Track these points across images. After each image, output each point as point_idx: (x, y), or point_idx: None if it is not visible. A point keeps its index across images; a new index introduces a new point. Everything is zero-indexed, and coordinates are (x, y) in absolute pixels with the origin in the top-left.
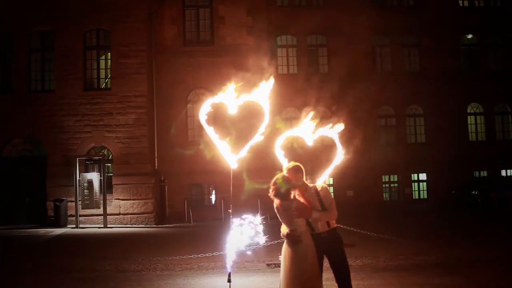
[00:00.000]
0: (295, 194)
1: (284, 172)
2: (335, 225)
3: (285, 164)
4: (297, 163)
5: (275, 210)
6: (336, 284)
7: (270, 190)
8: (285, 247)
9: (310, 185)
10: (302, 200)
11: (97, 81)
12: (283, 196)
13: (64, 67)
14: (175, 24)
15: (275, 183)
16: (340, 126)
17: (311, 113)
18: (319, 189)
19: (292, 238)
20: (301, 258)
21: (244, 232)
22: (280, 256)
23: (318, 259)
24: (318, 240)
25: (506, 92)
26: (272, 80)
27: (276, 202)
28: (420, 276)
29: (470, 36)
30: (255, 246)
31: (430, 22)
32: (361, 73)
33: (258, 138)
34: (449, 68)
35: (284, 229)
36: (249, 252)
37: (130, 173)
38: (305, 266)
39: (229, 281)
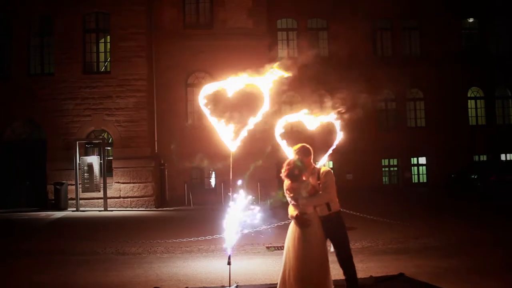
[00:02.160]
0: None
1: (293, 153)
2: (338, 209)
3: (285, 147)
4: (306, 145)
5: (285, 192)
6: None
7: (283, 171)
8: (293, 228)
9: (317, 167)
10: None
11: (97, 64)
12: (295, 177)
13: (64, 50)
14: (175, 7)
15: (289, 164)
16: (341, 110)
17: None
18: (321, 171)
19: (302, 221)
20: (310, 239)
21: (241, 214)
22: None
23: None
24: None
25: (507, 76)
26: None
27: (287, 183)
28: (419, 259)
29: (471, 20)
30: (254, 229)
31: (431, 6)
32: (361, 57)
33: (257, 122)
34: (449, 52)
35: (291, 211)
36: (247, 233)
37: (130, 157)
38: (314, 247)
39: (229, 263)
